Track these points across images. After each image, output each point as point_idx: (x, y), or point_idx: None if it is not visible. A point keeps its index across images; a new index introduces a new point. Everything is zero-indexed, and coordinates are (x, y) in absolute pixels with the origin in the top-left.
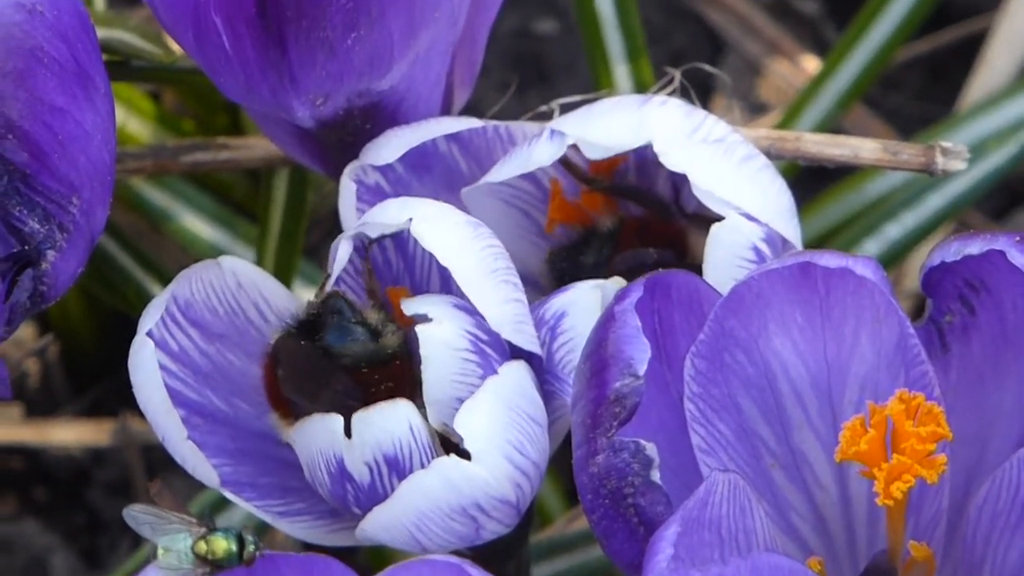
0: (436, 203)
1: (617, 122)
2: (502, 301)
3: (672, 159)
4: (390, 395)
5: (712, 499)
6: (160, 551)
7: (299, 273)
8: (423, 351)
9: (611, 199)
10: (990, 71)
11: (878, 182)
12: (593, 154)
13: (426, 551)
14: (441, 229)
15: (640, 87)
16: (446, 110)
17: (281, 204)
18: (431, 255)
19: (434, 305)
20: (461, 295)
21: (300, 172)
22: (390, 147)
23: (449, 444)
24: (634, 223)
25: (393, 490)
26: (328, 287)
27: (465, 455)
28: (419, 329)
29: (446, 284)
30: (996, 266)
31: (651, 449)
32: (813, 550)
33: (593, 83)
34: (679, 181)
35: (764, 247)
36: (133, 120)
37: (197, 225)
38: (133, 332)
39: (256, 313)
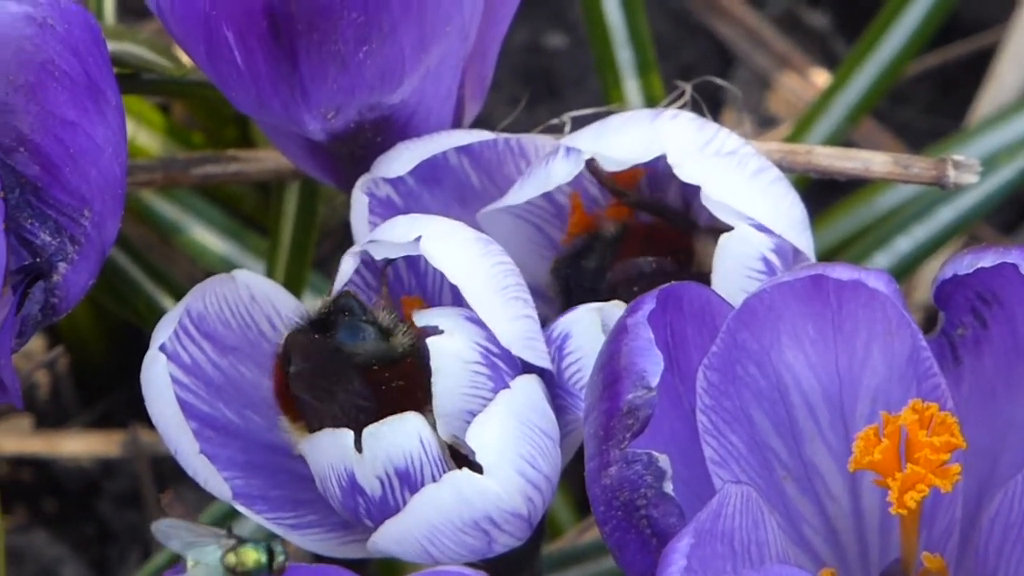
0: (446, 220)
1: (630, 136)
2: (512, 318)
3: (686, 171)
4: (401, 394)
5: (725, 511)
6: (190, 563)
7: (309, 285)
8: (434, 363)
9: (633, 209)
10: (1000, 85)
11: (888, 195)
12: (607, 168)
13: (437, 564)
14: (450, 247)
15: (650, 101)
16: (457, 124)
17: (292, 217)
18: (442, 273)
19: (446, 317)
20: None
21: (311, 185)
22: (401, 160)
23: (459, 456)
24: (638, 229)
25: (405, 503)
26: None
27: (477, 468)
28: (430, 341)
29: (458, 300)
30: (1008, 279)
31: (664, 461)
32: (825, 562)
33: (603, 97)
34: (689, 194)
35: (773, 257)
36: (143, 133)
37: (207, 237)
38: (143, 344)
39: (269, 326)
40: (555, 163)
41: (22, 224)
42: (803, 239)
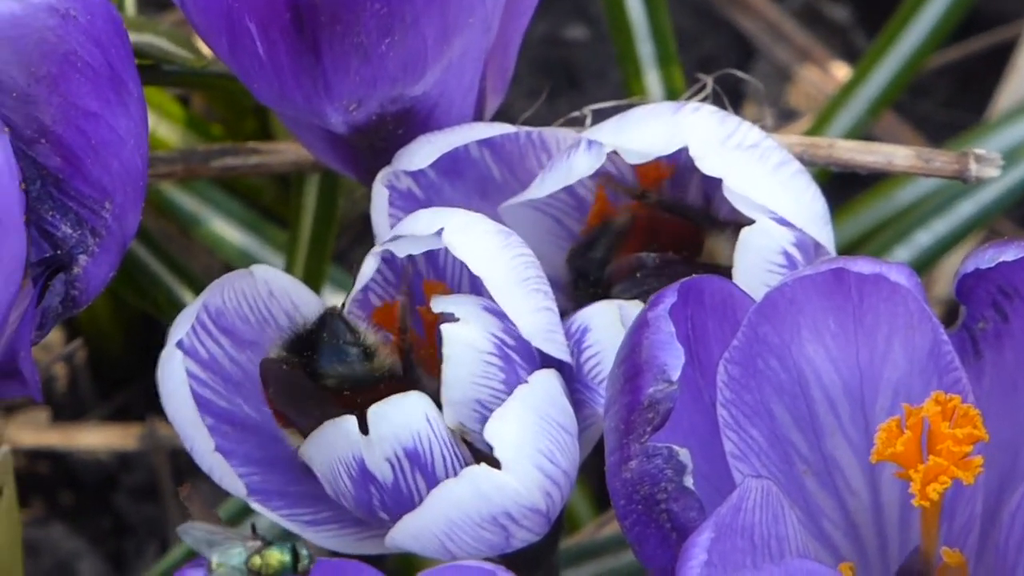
0: (467, 212)
1: (652, 129)
2: (533, 310)
3: (708, 164)
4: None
5: (745, 505)
6: (214, 564)
7: (329, 279)
8: (446, 350)
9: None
10: (1020, 79)
11: (909, 189)
12: (630, 160)
13: (455, 559)
14: (472, 238)
15: (671, 94)
16: (478, 116)
17: (312, 210)
18: (462, 267)
19: (463, 305)
20: (493, 301)
21: (331, 178)
22: (422, 153)
23: (472, 448)
24: (645, 218)
25: (418, 488)
26: (350, 301)
27: (493, 462)
28: (444, 328)
29: (477, 294)
30: None
31: (684, 455)
32: (845, 556)
33: (624, 89)
34: (710, 188)
35: (795, 251)
36: (163, 125)
37: (226, 230)
38: (161, 336)
39: (287, 321)
40: (577, 156)
41: (43, 216)
42: (824, 233)
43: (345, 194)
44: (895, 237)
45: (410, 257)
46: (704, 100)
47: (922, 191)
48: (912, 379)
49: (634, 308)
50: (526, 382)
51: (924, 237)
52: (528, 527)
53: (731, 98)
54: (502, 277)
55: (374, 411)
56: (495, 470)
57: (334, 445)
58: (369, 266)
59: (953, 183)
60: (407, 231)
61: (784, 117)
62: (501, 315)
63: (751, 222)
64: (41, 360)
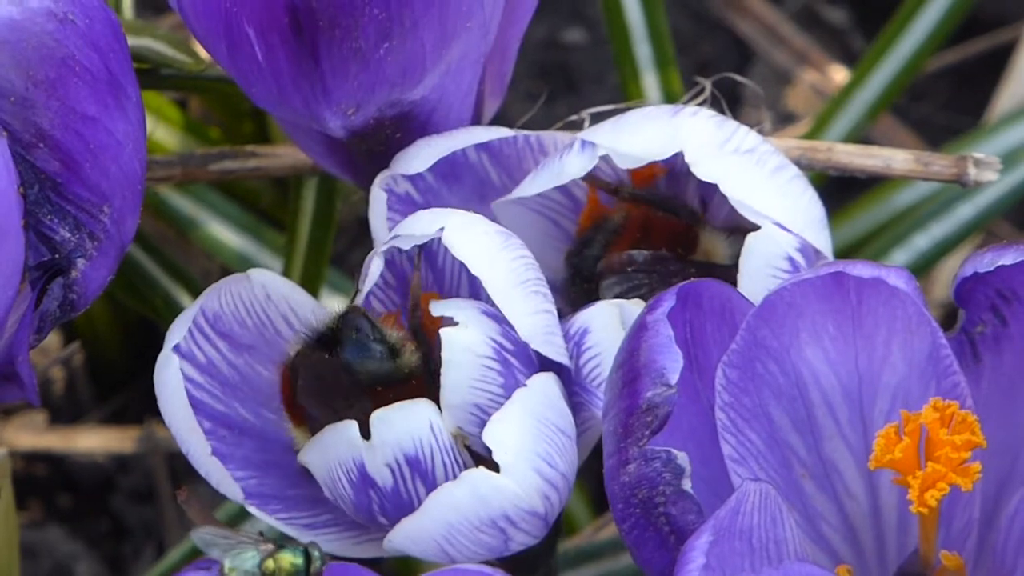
0: (467, 213)
1: (649, 132)
2: (532, 312)
3: (704, 169)
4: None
5: (743, 508)
6: (227, 569)
7: (326, 282)
8: (445, 354)
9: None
10: (1018, 82)
11: (906, 192)
12: (624, 164)
13: (454, 562)
14: (472, 239)
15: (669, 97)
16: (476, 120)
17: (309, 214)
18: (460, 268)
19: (462, 309)
20: (491, 305)
21: (329, 181)
22: (421, 157)
23: (471, 451)
24: (639, 217)
25: (418, 494)
26: (358, 302)
27: (492, 466)
28: (443, 332)
29: (475, 297)
30: None
31: (683, 458)
32: (843, 559)
33: (622, 93)
34: (707, 192)
35: (799, 257)
36: (161, 128)
37: (224, 233)
38: (159, 339)
39: (285, 325)
40: (570, 157)
41: (41, 220)
42: (821, 238)
43: (343, 198)
44: (893, 240)
45: (409, 258)
46: (702, 103)
47: (920, 194)
48: (911, 383)
49: (635, 309)
50: (524, 385)
51: (922, 240)
52: (526, 530)
53: (729, 101)
54: (502, 278)
55: (378, 416)
56: (494, 473)
57: (334, 449)
58: (376, 266)
59: (951, 186)
60: (407, 231)
61: (782, 120)
62: (500, 319)
63: (749, 223)
64: (39, 363)
